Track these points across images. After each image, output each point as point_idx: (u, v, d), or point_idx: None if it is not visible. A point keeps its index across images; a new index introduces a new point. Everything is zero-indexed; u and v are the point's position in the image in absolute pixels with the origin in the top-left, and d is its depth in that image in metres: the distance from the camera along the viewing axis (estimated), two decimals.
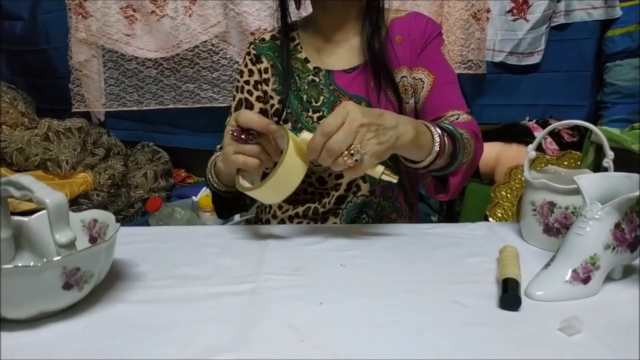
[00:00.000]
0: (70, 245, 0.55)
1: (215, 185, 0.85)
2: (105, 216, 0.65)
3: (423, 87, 0.91)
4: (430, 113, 0.90)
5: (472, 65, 1.89)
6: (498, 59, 1.90)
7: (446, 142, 0.73)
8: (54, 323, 0.55)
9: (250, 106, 0.97)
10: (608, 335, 0.52)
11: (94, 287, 0.58)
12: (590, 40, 1.90)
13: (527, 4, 1.85)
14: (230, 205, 0.93)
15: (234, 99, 0.99)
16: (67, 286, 0.53)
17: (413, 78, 0.92)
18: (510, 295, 0.57)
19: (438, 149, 0.72)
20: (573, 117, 1.83)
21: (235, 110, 0.98)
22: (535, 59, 1.90)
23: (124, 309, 0.58)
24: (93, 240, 0.65)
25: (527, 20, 1.86)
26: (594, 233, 0.60)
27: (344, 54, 0.94)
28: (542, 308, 0.58)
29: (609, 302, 0.59)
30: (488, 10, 1.87)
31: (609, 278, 0.63)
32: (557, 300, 0.59)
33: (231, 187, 0.82)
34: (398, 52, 0.92)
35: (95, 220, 0.66)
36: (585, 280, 0.60)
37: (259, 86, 0.97)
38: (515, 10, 1.86)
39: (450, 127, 0.76)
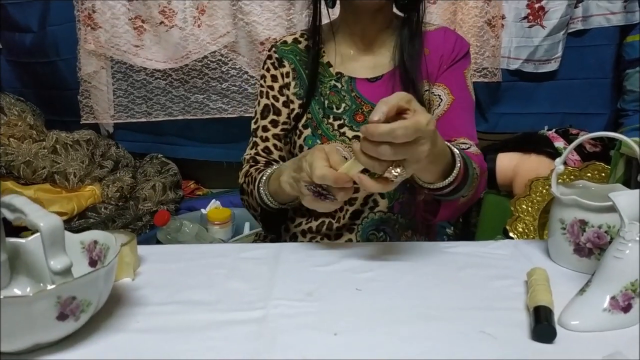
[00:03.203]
0: (66, 272, 0.51)
1: (270, 204, 0.84)
2: (106, 238, 0.61)
3: (440, 105, 0.88)
4: (441, 134, 0.86)
5: (487, 73, 1.84)
6: (514, 66, 1.85)
7: (461, 176, 0.71)
8: (49, 355, 0.52)
9: (277, 112, 0.94)
10: None
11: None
12: (609, 46, 1.84)
13: (543, 9, 1.80)
14: (280, 218, 0.92)
15: (258, 104, 0.96)
16: (62, 317, 0.49)
17: (432, 93, 0.89)
18: (544, 325, 0.52)
19: (452, 179, 0.70)
20: (592, 125, 1.79)
21: (262, 115, 0.95)
22: (552, 66, 1.85)
23: (123, 339, 0.54)
24: (93, 263, 0.62)
25: (543, 27, 1.81)
26: (634, 256, 0.55)
27: (368, 62, 0.92)
28: (579, 340, 0.53)
29: None
30: (503, 17, 1.82)
31: None
32: (594, 331, 0.54)
33: (287, 204, 0.84)
34: (424, 65, 0.89)
35: (96, 242, 0.62)
36: (626, 309, 0.55)
37: (284, 90, 0.94)
38: (531, 17, 1.81)
39: (467, 158, 0.74)
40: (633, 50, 1.80)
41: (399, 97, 0.59)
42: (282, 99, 0.94)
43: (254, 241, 1.10)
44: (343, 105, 0.90)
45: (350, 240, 0.88)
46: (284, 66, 0.94)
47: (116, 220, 1.72)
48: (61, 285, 0.48)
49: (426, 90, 0.88)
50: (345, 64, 0.92)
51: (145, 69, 1.93)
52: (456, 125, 0.87)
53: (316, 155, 0.67)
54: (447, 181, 0.70)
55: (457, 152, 0.71)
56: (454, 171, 0.70)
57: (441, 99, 0.88)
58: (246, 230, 1.78)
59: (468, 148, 0.83)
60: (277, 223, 0.93)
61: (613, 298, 0.55)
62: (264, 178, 0.84)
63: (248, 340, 0.53)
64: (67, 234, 0.60)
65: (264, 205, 0.86)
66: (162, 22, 1.87)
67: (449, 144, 0.71)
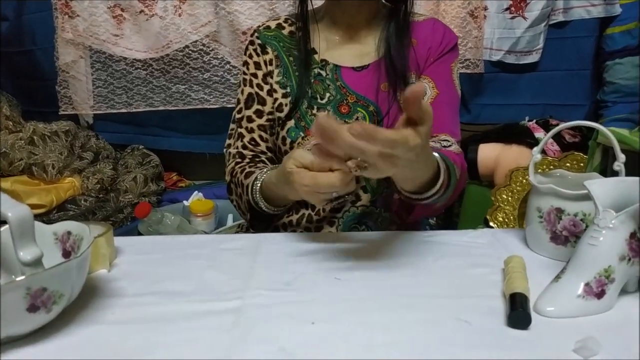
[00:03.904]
0: (36, 262, 0.50)
1: (265, 209, 0.81)
2: (79, 228, 0.60)
3: (423, 99, 0.86)
4: None
5: (470, 64, 1.84)
6: (496, 57, 1.86)
7: (442, 189, 0.69)
8: (20, 348, 0.51)
9: (262, 102, 0.90)
10: (627, 356, 0.48)
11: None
12: (590, 38, 1.86)
13: (524, 1, 1.80)
14: (270, 219, 0.89)
15: (241, 92, 0.92)
16: (32, 308, 0.48)
17: None
18: (519, 312, 0.53)
19: (431, 194, 0.68)
20: (573, 116, 1.81)
21: (246, 105, 0.91)
22: (534, 57, 1.86)
23: (98, 331, 0.54)
24: (67, 254, 0.60)
25: (525, 18, 1.81)
26: (607, 243, 0.56)
27: (354, 50, 0.90)
28: (553, 326, 0.53)
29: (625, 317, 0.55)
30: (485, 8, 1.82)
31: (623, 290, 0.58)
32: (568, 317, 0.55)
33: (283, 205, 0.83)
34: (412, 55, 0.88)
35: (69, 233, 0.60)
36: (600, 295, 0.55)
37: (268, 79, 0.91)
38: (513, 8, 1.82)
39: (451, 165, 0.71)
40: (613, 42, 1.82)
41: (429, 109, 0.55)
42: (266, 87, 0.91)
43: (236, 232, 1.09)
44: (327, 95, 0.88)
45: (330, 233, 0.87)
46: (267, 53, 0.91)
47: (96, 212, 1.69)
48: (30, 276, 0.46)
49: (412, 83, 0.87)
50: (331, 50, 0.90)
51: (125, 58, 1.90)
52: (439, 120, 0.82)
53: (306, 179, 0.65)
54: (426, 194, 0.68)
55: (443, 165, 0.68)
56: (436, 186, 0.67)
57: (425, 93, 0.86)
58: (229, 222, 1.77)
59: (449, 146, 0.82)
60: (268, 221, 0.91)
61: (587, 284, 0.55)
62: (256, 189, 0.80)
63: (225, 331, 0.53)
64: (40, 224, 0.59)
65: (262, 212, 0.83)
66: (142, 11, 1.83)
67: (436, 154, 0.68)
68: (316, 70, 0.89)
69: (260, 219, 0.88)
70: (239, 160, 0.90)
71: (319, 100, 0.88)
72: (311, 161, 0.66)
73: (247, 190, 0.82)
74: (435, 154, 0.69)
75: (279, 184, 0.75)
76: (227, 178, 0.90)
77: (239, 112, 0.92)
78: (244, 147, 0.90)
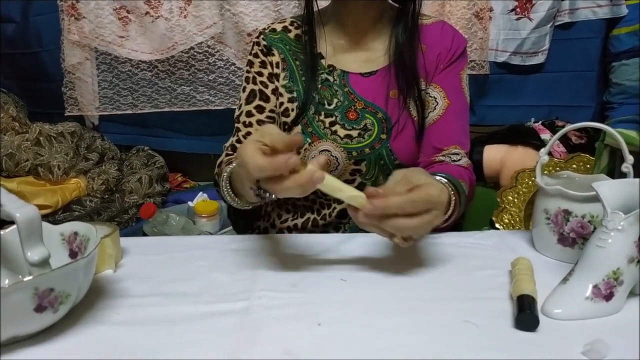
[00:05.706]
0: (44, 263, 0.50)
1: (235, 205, 0.74)
2: (86, 229, 0.60)
3: (435, 109, 0.85)
4: (434, 141, 0.85)
5: (475, 65, 1.84)
6: (501, 59, 1.85)
7: (453, 216, 0.70)
8: (27, 348, 0.51)
9: (265, 99, 0.88)
10: (635, 358, 0.47)
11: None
12: (596, 39, 1.85)
13: (530, 2, 1.80)
14: (251, 217, 0.86)
15: (243, 90, 0.90)
16: (39, 308, 0.48)
17: (428, 94, 0.86)
18: (527, 314, 0.52)
19: (439, 222, 0.67)
20: (579, 117, 1.81)
21: (247, 101, 0.88)
22: (540, 58, 1.85)
23: (104, 332, 0.54)
24: (73, 255, 0.61)
25: (530, 19, 1.81)
26: (616, 245, 0.55)
27: (362, 55, 0.88)
28: (561, 328, 0.53)
29: (634, 320, 0.55)
30: (491, 9, 1.81)
31: (631, 293, 0.58)
32: (577, 319, 0.54)
33: (255, 202, 0.71)
34: (421, 61, 0.86)
35: (76, 234, 0.61)
36: (608, 297, 0.55)
37: (274, 79, 0.89)
38: (518, 9, 1.81)
39: (462, 190, 0.72)
40: (619, 43, 1.81)
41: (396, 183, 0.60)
42: (271, 86, 0.88)
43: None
44: (335, 101, 0.86)
45: None
46: (273, 55, 0.89)
47: (102, 213, 1.69)
48: (38, 276, 0.47)
49: (422, 90, 0.86)
50: (337, 55, 0.88)
51: (131, 60, 1.90)
52: (449, 133, 0.85)
53: (249, 150, 0.56)
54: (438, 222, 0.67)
55: (452, 192, 0.69)
56: (445, 216, 0.67)
57: (437, 102, 0.85)
58: None
59: (459, 160, 0.82)
60: (249, 220, 0.88)
61: (595, 287, 0.55)
62: (225, 176, 0.73)
63: (231, 332, 0.53)
64: (47, 225, 0.60)
65: (232, 204, 0.75)
66: (147, 13, 1.84)
67: (444, 179, 0.70)
68: (323, 76, 0.87)
69: (240, 215, 0.85)
70: (229, 152, 0.87)
71: (326, 106, 0.86)
72: (275, 138, 0.56)
73: (222, 180, 0.75)
74: (443, 179, 0.69)
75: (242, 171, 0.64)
76: (216, 170, 0.87)
77: (239, 108, 0.90)
78: (238, 140, 0.88)
